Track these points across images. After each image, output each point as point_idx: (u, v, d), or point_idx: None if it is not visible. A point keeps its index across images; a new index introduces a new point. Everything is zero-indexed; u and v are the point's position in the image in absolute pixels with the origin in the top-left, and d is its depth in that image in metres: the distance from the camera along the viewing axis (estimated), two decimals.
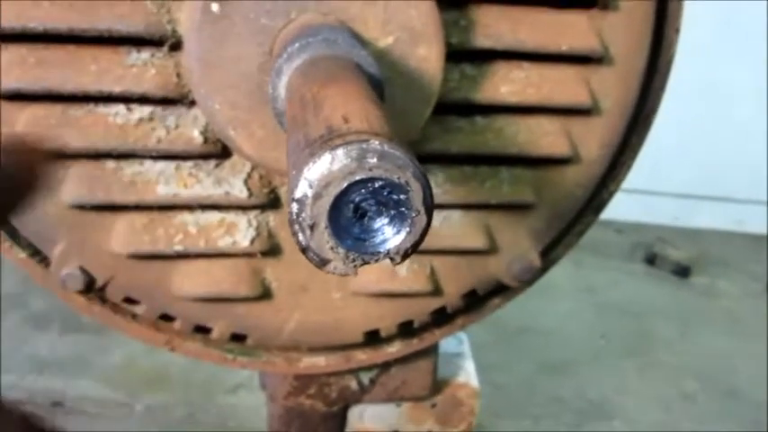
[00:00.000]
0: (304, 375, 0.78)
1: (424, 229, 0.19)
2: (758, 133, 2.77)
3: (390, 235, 0.19)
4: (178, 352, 0.68)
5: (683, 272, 2.62)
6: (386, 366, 0.79)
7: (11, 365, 1.96)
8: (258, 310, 0.61)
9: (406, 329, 0.69)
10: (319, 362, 0.71)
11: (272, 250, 0.59)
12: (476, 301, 0.69)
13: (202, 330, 0.65)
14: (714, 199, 2.94)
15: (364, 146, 0.18)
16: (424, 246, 0.58)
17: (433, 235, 0.59)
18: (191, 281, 0.58)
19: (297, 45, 0.33)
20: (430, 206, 0.19)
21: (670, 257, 2.65)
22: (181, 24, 0.48)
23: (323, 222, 0.18)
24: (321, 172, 0.18)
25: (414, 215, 0.19)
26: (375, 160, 0.18)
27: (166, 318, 0.64)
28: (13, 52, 0.49)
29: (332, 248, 0.19)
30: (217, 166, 0.54)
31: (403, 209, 0.19)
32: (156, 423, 1.85)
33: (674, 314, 2.42)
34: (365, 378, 0.81)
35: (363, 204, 0.19)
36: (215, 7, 0.44)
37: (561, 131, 0.57)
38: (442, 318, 0.69)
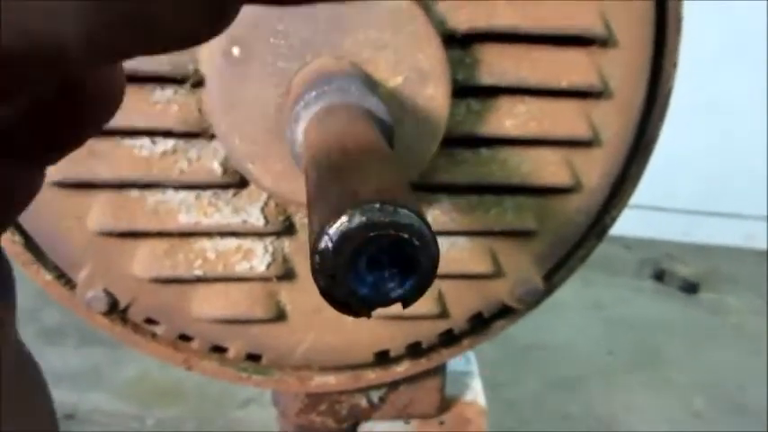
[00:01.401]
0: (315, 393, 0.80)
1: (429, 277, 0.22)
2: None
3: (400, 284, 0.22)
4: (195, 370, 0.71)
5: (691, 288, 2.63)
6: (394, 385, 0.82)
7: None
8: (273, 332, 0.64)
9: (415, 350, 0.71)
10: (330, 380, 0.73)
11: (287, 275, 0.61)
12: (482, 323, 0.72)
13: (219, 350, 0.68)
14: (723, 215, 2.95)
15: (377, 206, 0.21)
16: None
17: (440, 260, 0.62)
18: (209, 303, 0.61)
19: (313, 94, 0.36)
20: (437, 260, 0.22)
21: (678, 273, 2.66)
22: (202, 63, 0.51)
23: (341, 274, 0.21)
24: (340, 230, 0.20)
25: (422, 266, 0.22)
26: (389, 220, 0.21)
27: (184, 338, 0.67)
28: None
29: (349, 296, 0.22)
30: (235, 195, 0.57)
31: (411, 260, 0.22)
32: None
33: (682, 330, 2.43)
34: (375, 396, 0.84)
35: (377, 257, 0.22)
36: (236, 51, 0.47)
37: (563, 162, 0.60)
38: (449, 339, 0.72)
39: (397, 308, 0.59)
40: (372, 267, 0.22)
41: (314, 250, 0.22)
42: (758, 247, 2.95)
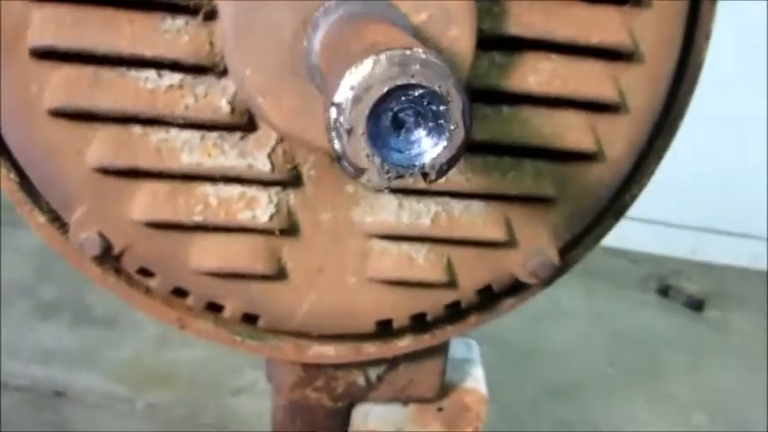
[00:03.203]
0: (312, 366, 0.77)
1: (461, 144, 0.19)
2: None
3: (427, 147, 0.19)
4: (188, 331, 0.68)
5: (696, 305, 2.59)
6: (394, 363, 0.79)
7: (16, 353, 1.96)
8: (272, 290, 0.61)
9: (419, 323, 0.68)
10: (328, 351, 0.70)
11: (291, 229, 0.58)
12: (490, 299, 0.69)
13: (214, 309, 0.65)
14: (731, 234, 2.91)
15: (408, 53, 0.18)
16: (442, 233, 0.58)
17: (452, 223, 0.59)
18: (207, 254, 0.58)
19: (334, 1, 0.33)
20: (469, 121, 0.19)
21: (684, 290, 2.62)
22: None
23: (361, 128, 0.18)
24: (363, 75, 0.18)
25: (452, 128, 0.19)
26: (418, 67, 0.18)
27: (179, 293, 0.64)
28: (50, 10, 0.49)
29: (368, 156, 0.19)
30: (242, 138, 0.54)
31: (442, 121, 0.19)
32: (157, 420, 1.84)
33: (685, 347, 2.39)
34: (373, 374, 0.81)
35: (402, 115, 0.19)
36: None
37: (587, 127, 0.57)
38: (455, 314, 0.69)
39: (403, 269, 0.56)
40: (396, 127, 0.19)
41: (330, 102, 0.19)
42: (763, 268, 2.90)
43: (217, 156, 0.54)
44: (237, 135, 0.54)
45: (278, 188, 0.57)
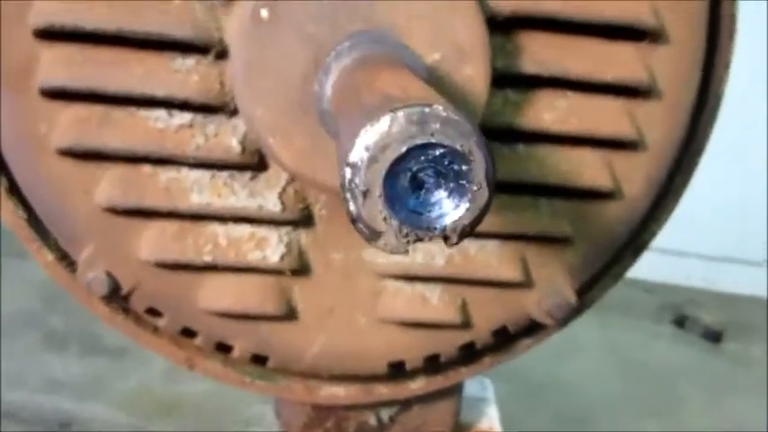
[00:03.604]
0: (322, 407, 0.75)
1: (484, 205, 0.18)
2: None
3: (448, 209, 0.18)
4: (197, 371, 0.66)
5: (713, 337, 2.53)
6: (407, 404, 0.77)
7: (23, 383, 1.95)
8: (282, 331, 0.59)
9: (432, 364, 0.66)
10: (339, 392, 0.68)
11: (302, 269, 0.57)
12: (506, 340, 0.67)
13: (223, 349, 0.64)
14: (748, 263, 2.87)
15: (427, 110, 0.17)
16: (456, 273, 0.57)
17: (467, 263, 0.58)
18: (216, 294, 0.57)
19: (346, 44, 0.33)
20: (492, 180, 0.18)
21: (701, 321, 2.57)
22: (227, 33, 0.48)
23: (377, 189, 0.17)
24: (379, 134, 0.16)
25: (475, 189, 0.17)
26: (438, 125, 0.17)
27: (188, 333, 0.62)
28: (60, 50, 0.49)
29: (385, 219, 0.18)
30: (252, 178, 0.53)
31: (463, 181, 0.18)
32: None
33: (702, 379, 2.34)
34: (385, 415, 0.79)
35: (421, 174, 0.18)
36: (264, 13, 0.44)
37: (604, 164, 0.56)
38: (469, 355, 0.67)
39: (416, 310, 0.54)
40: (415, 187, 0.18)
41: (344, 162, 0.18)
42: None
43: (227, 195, 0.53)
44: (248, 175, 0.53)
45: (289, 228, 0.56)
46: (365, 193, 0.17)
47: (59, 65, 0.49)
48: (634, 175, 0.57)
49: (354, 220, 0.18)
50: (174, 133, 0.51)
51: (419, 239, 0.19)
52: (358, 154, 0.17)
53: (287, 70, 0.45)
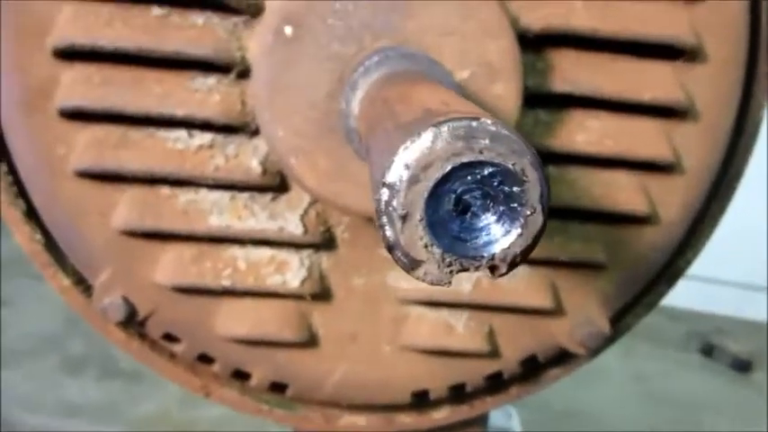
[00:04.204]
0: None
1: (538, 231, 0.16)
2: None
3: (498, 236, 0.16)
4: (213, 399, 0.64)
5: (742, 366, 2.46)
6: None
7: (42, 407, 1.94)
8: (302, 358, 0.57)
9: (457, 394, 0.64)
10: (360, 421, 0.66)
11: (322, 294, 0.55)
12: (534, 370, 0.64)
13: (241, 377, 0.62)
14: None
15: (474, 124, 0.15)
16: (483, 300, 0.55)
17: (494, 289, 0.55)
18: (234, 320, 0.55)
19: (375, 59, 0.31)
20: (547, 204, 0.16)
21: (728, 350, 2.50)
22: (250, 52, 0.47)
23: (418, 213, 0.15)
24: (421, 151, 0.15)
25: (528, 213, 0.15)
26: (487, 141, 0.15)
27: (205, 360, 0.60)
28: (79, 71, 0.48)
29: (426, 247, 0.16)
30: (273, 200, 0.52)
31: (515, 205, 0.16)
32: None
33: (730, 410, 2.27)
34: None
35: (467, 197, 0.16)
36: (288, 30, 0.42)
37: (639, 188, 0.53)
38: (496, 384, 0.64)
39: (441, 338, 0.52)
40: (460, 211, 0.16)
41: (380, 182, 0.16)
42: None
43: (247, 218, 0.51)
44: (269, 196, 0.51)
45: (310, 251, 0.54)
46: (404, 218, 0.15)
47: (78, 85, 0.48)
48: (670, 200, 0.55)
49: (391, 248, 0.16)
50: (194, 154, 0.49)
51: (464, 269, 0.16)
52: (397, 173, 0.15)
53: (311, 89, 0.43)
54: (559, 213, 0.54)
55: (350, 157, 0.43)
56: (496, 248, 0.16)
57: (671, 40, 0.49)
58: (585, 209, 0.53)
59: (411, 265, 0.16)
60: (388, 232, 0.16)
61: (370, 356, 0.58)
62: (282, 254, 0.53)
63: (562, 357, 0.63)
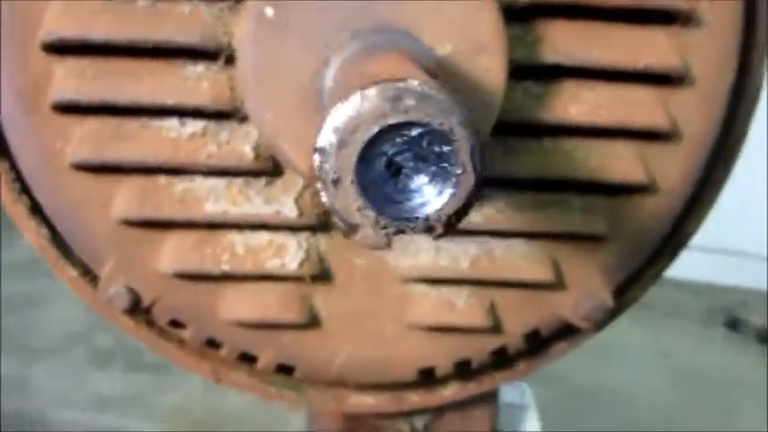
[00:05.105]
0: (353, 417, 0.73)
1: (471, 190, 0.16)
2: None
3: (431, 196, 0.16)
4: (223, 383, 0.65)
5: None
6: (440, 412, 0.74)
7: (73, 402, 1.98)
8: (306, 340, 0.58)
9: (464, 371, 0.64)
10: (368, 400, 0.66)
11: (323, 276, 0.56)
12: (539, 345, 0.64)
13: (249, 360, 0.62)
14: None
15: (401, 85, 0.15)
16: (482, 275, 0.55)
17: (493, 265, 0.55)
18: (237, 304, 0.56)
19: (348, 34, 0.31)
20: (480, 162, 0.16)
21: (753, 323, 2.47)
22: (236, 36, 0.47)
23: (349, 176, 0.15)
24: (348, 115, 0.15)
25: (459, 172, 0.15)
26: (413, 102, 0.15)
27: (213, 345, 0.61)
28: (71, 65, 0.49)
29: (359, 210, 0.16)
30: (267, 184, 0.52)
31: (446, 164, 0.16)
32: None
33: (757, 385, 2.24)
34: (419, 423, 0.76)
35: (398, 158, 0.16)
36: (269, 12, 0.43)
37: (637, 157, 0.53)
38: (502, 360, 0.64)
39: (443, 315, 0.52)
40: (392, 173, 0.16)
41: (314, 147, 0.16)
42: None
43: (242, 203, 0.52)
44: (263, 181, 0.52)
45: (307, 233, 0.54)
46: (336, 182, 0.15)
47: (71, 79, 0.49)
48: (669, 168, 0.54)
49: (330, 213, 0.16)
50: (187, 142, 0.50)
51: (400, 231, 0.17)
52: (327, 138, 0.15)
53: (296, 70, 0.43)
54: (557, 186, 0.53)
55: None
56: (430, 209, 0.16)
57: (664, 6, 0.49)
58: (583, 180, 0.53)
59: (349, 230, 0.16)
60: (324, 197, 0.16)
61: (374, 335, 0.58)
62: (280, 237, 0.54)
63: (567, 331, 0.62)
